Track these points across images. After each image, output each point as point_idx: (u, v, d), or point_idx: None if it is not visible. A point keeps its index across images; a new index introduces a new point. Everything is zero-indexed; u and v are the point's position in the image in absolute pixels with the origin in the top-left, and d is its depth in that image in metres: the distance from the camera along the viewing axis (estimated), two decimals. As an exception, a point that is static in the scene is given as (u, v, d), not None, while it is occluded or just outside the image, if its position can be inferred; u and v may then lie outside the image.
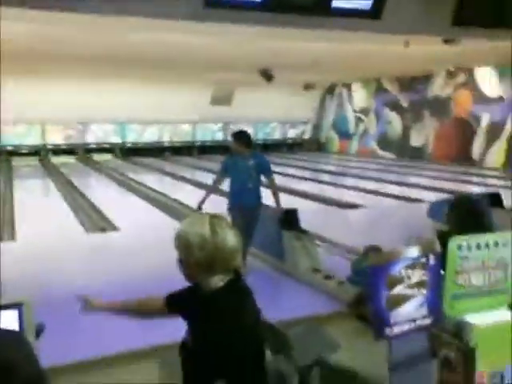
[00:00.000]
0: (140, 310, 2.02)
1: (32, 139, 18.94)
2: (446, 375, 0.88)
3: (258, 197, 5.60)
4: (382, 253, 1.22)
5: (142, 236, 7.44)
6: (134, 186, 12.91)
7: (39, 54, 10.82)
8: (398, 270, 0.84)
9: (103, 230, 7.94)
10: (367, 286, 4.05)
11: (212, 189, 5.96)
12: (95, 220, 8.68)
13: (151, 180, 14.13)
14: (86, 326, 3.51)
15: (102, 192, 12.49)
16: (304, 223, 5.77)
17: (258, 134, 22.03)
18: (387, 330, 0.82)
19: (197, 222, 1.70)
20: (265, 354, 1.77)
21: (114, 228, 8.02)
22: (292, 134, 23.43)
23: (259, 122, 22.17)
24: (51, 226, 8.14)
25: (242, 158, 5.55)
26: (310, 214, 5.09)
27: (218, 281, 1.66)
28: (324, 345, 3.12)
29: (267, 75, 14.17)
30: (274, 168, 5.89)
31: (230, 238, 1.67)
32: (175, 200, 10.55)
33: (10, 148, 18.58)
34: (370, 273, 0.81)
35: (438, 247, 2.79)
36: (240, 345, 1.61)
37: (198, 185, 12.97)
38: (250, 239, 5.44)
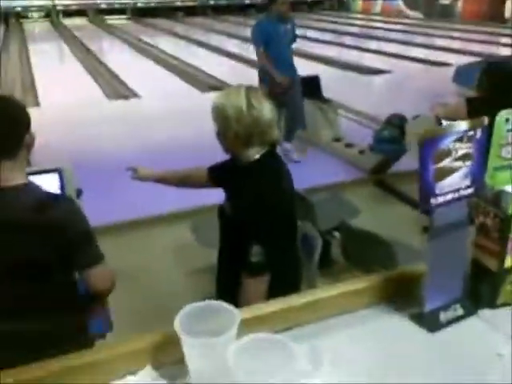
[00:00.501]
0: (184, 181, 2.13)
1: (41, -1, 18.09)
2: (482, 240, 0.98)
3: (295, 67, 5.08)
4: (432, 128, 1.27)
5: (162, 103, 7.48)
6: (150, 50, 12.56)
7: None
8: (447, 143, 0.90)
9: (125, 97, 7.95)
10: (389, 153, 4.12)
11: (268, 67, 4.81)
12: (116, 87, 8.65)
13: (166, 44, 13.69)
14: (119, 190, 3.68)
15: (118, 57, 12.22)
16: (324, 90, 5.68)
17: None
18: (432, 200, 0.90)
19: (233, 94, 1.70)
20: (297, 221, 1.89)
21: (135, 95, 8.03)
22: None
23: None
24: (73, 93, 8.16)
25: (282, 22, 4.78)
26: (330, 81, 4.95)
27: (255, 153, 1.71)
28: (345, 210, 3.32)
29: None
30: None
31: (267, 110, 1.68)
32: (192, 66, 10.34)
33: (18, 9, 17.82)
34: (420, 146, 0.87)
35: (464, 113, 2.80)
36: (276, 211, 1.69)
37: (214, 50, 12.58)
38: (299, 118, 5.12)
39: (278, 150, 1.91)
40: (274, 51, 4.75)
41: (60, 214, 1.50)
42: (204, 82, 8.84)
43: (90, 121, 6.63)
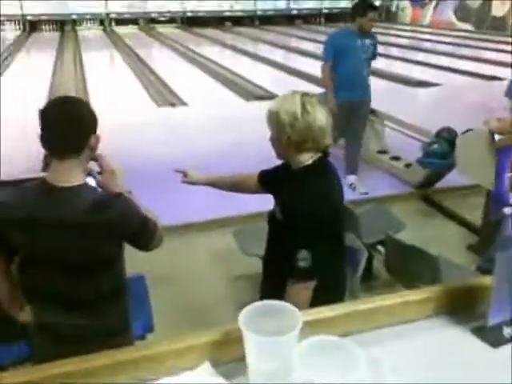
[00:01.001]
0: (234, 186, 2.16)
1: (95, 8, 18.74)
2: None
3: (369, 89, 4.61)
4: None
5: (208, 111, 7.61)
6: (197, 58, 12.82)
7: None
8: (523, 153, 0.90)
9: (173, 104, 8.15)
10: (437, 168, 4.03)
11: (327, 85, 4.40)
12: (164, 94, 8.87)
13: (213, 53, 13.92)
14: (165, 195, 3.76)
15: (167, 65, 12.52)
16: (372, 101, 5.64)
17: (323, 3, 20.68)
18: (506, 210, 0.90)
19: (288, 100, 1.72)
20: (344, 231, 1.89)
21: (183, 103, 8.21)
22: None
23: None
24: (123, 98, 8.43)
25: (362, 36, 4.30)
26: (377, 92, 4.90)
27: (307, 158, 1.73)
28: (390, 224, 3.29)
29: None
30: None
31: (321, 117, 1.69)
32: (237, 75, 10.47)
33: (74, 17, 18.56)
34: (498, 154, 0.88)
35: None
36: (325, 218, 1.71)
37: (261, 59, 12.70)
38: (359, 142, 4.72)
39: (343, 182, 1.92)
40: (346, 67, 4.29)
41: (116, 212, 1.57)
42: (249, 91, 8.94)
43: (139, 126, 6.83)
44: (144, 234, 1.66)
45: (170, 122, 7.24)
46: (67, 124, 1.54)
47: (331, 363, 0.70)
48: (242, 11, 20.59)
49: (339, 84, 4.32)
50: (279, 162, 1.87)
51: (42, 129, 1.55)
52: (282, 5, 20.93)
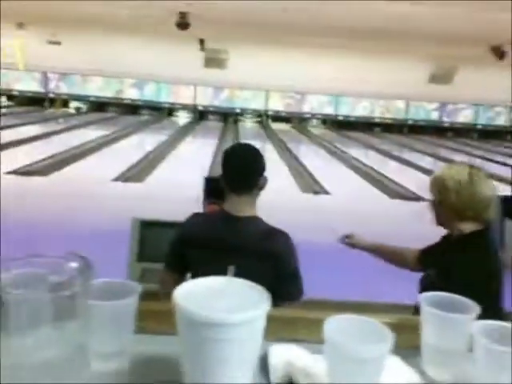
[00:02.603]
0: (394, 257, 2.16)
1: (256, 104, 20.80)
2: None
3: None
4: None
5: (351, 201, 7.82)
6: (343, 156, 13.35)
7: (280, 25, 11.75)
8: None
9: (316, 192, 8.55)
10: None
11: None
12: (309, 182, 9.35)
13: (358, 152, 14.36)
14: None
15: (314, 158, 13.22)
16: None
17: (478, 119, 20.38)
18: None
19: (456, 168, 1.82)
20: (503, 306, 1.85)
21: (326, 192, 8.57)
22: (520, 120, 21.03)
23: (481, 105, 20.42)
24: (273, 184, 9.02)
25: None
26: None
27: (468, 227, 1.78)
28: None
29: (499, 52, 12.99)
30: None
31: (486, 188, 1.75)
32: (382, 174, 10.65)
33: (237, 111, 20.75)
34: None
35: None
36: (485, 288, 1.69)
37: (406, 163, 12.79)
38: None
39: None
40: None
41: (280, 245, 1.77)
42: (393, 190, 9.02)
43: (284, 209, 7.26)
44: (296, 280, 1.78)
45: (313, 207, 7.57)
46: (245, 167, 1.85)
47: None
48: (392, 119, 21.14)
49: None
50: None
51: (224, 169, 1.87)
52: (434, 116, 21.07)
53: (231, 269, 0.61)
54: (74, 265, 0.68)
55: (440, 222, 1.87)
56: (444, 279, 1.75)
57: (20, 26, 17.16)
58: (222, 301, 0.70)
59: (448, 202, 1.77)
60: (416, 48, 14.93)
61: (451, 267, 1.74)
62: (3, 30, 16.21)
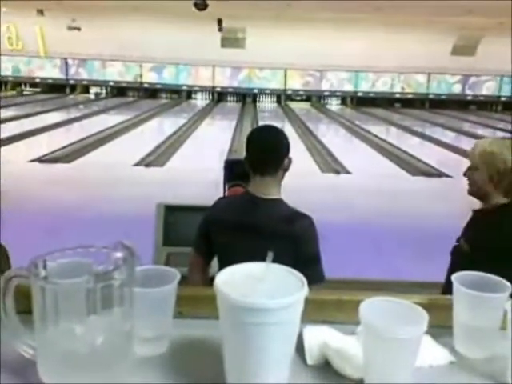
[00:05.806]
0: None
1: (274, 84, 20.63)
2: None
3: None
4: None
5: (371, 181, 7.76)
6: (363, 134, 13.21)
7: (299, 1, 11.53)
8: None
9: (337, 172, 8.50)
10: None
11: None
12: (329, 162, 9.30)
13: (379, 130, 14.20)
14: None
15: (334, 137, 13.13)
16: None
17: (501, 90, 19.90)
18: None
19: (505, 145, 1.80)
20: None
21: (347, 171, 8.51)
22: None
23: (505, 76, 19.89)
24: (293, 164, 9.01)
25: None
26: None
27: (502, 199, 1.81)
28: None
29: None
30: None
31: None
32: (403, 151, 10.52)
33: (255, 91, 20.63)
34: None
35: None
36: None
37: (428, 139, 12.60)
38: None
39: None
40: None
41: (303, 228, 1.78)
42: (415, 166, 8.91)
43: (305, 188, 7.24)
44: (317, 264, 1.78)
45: (333, 187, 7.54)
46: (269, 148, 1.85)
47: None
48: (413, 94, 20.77)
49: None
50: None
51: (248, 151, 1.88)
52: (456, 89, 20.63)
53: (270, 255, 0.63)
54: (119, 254, 0.71)
55: (474, 190, 1.85)
56: (478, 250, 1.75)
57: (40, 12, 17.26)
58: (262, 286, 0.72)
59: (492, 170, 1.75)
60: (440, 19, 14.57)
61: (485, 238, 1.75)
62: (24, 18, 16.34)
